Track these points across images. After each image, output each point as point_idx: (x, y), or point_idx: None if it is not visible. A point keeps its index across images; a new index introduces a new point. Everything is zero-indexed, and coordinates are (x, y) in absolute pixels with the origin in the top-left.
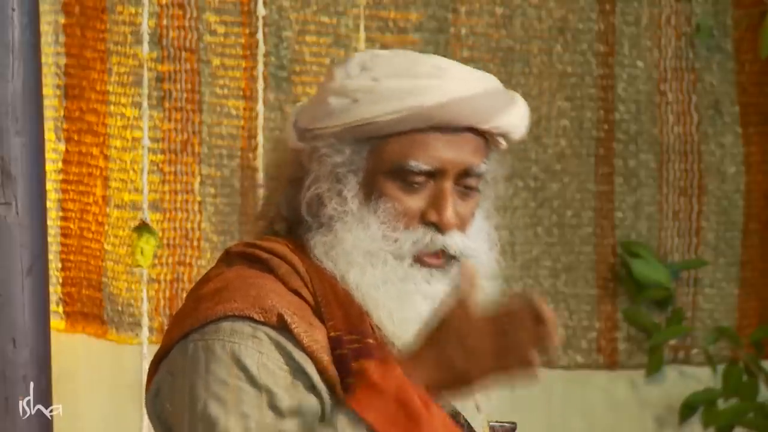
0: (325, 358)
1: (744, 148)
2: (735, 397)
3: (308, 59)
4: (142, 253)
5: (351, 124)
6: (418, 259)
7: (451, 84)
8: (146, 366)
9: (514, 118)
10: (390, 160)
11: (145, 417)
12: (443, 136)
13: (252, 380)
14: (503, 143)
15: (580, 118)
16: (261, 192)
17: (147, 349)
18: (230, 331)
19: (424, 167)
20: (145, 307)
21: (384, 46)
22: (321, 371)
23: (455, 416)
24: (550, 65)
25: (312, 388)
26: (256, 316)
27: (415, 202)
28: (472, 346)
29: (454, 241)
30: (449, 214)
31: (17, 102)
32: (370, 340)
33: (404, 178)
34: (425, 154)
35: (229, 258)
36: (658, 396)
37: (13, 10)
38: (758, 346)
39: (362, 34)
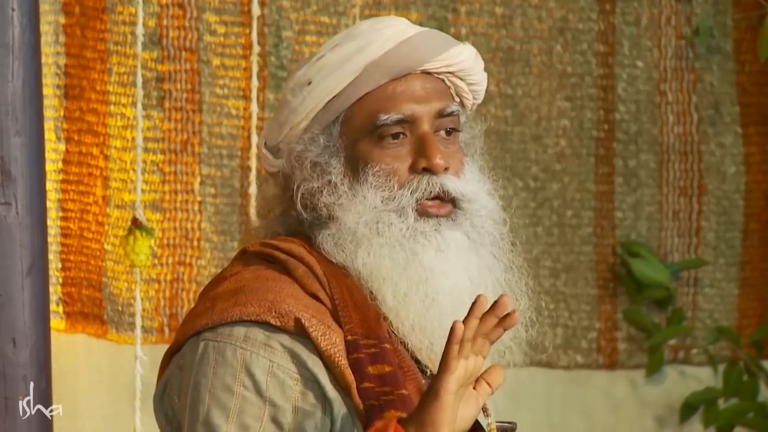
0: (342, 362)
1: (744, 148)
2: (735, 396)
3: None
4: (136, 252)
5: (315, 109)
6: (422, 212)
7: (391, 31)
8: (140, 367)
9: (464, 55)
10: (361, 124)
11: (137, 416)
12: (402, 82)
13: (258, 391)
14: (468, 96)
15: (580, 118)
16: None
17: (141, 350)
18: (244, 337)
19: (395, 116)
20: (138, 306)
21: None
22: (337, 376)
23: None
24: (550, 65)
25: (322, 397)
26: (272, 321)
27: (401, 158)
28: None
29: (450, 181)
30: (437, 155)
31: (17, 102)
32: (387, 345)
33: (380, 134)
34: (391, 104)
35: (246, 257)
36: (657, 396)
37: (13, 10)
38: (758, 346)
39: None
